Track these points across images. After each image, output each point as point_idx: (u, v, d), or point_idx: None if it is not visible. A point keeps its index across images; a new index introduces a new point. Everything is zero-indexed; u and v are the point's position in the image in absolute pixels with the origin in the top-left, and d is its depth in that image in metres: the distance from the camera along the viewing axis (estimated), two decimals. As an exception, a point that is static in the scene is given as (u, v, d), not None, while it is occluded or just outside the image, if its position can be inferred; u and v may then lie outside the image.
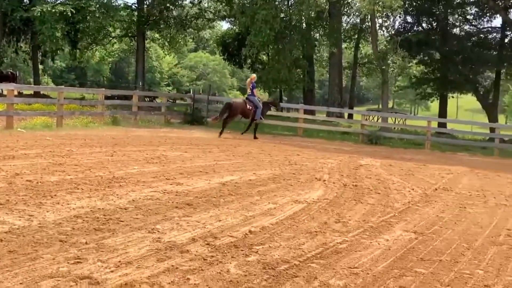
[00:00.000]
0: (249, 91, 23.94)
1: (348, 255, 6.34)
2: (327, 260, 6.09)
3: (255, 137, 23.35)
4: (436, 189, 12.32)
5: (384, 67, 33.86)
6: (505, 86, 62.42)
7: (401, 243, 7.13)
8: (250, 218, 7.82)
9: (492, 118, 40.41)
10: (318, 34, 42.74)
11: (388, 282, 5.49)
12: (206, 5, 48.25)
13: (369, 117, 40.39)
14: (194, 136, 21.38)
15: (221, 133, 22.81)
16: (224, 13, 47.30)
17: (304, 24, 39.69)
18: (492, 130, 31.52)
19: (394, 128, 35.71)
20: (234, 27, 50.37)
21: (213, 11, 48.54)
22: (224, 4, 44.88)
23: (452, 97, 50.70)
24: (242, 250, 6.17)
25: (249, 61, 48.61)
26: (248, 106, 23.42)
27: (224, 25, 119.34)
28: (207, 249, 6.13)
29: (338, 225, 7.88)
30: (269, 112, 25.19)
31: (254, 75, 25.38)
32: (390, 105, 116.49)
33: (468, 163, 20.53)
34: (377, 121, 39.88)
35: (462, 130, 43.53)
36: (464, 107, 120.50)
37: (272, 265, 5.70)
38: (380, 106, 43.11)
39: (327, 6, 39.17)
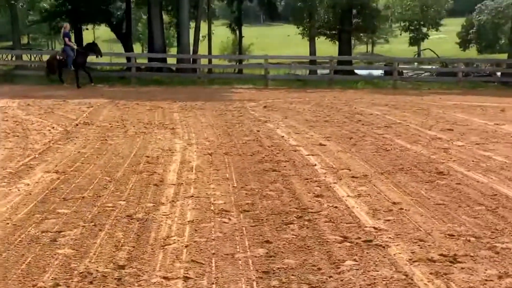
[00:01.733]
0: (66, 41, 24.08)
1: (-15, 208, 5.96)
2: (-39, 217, 5.64)
3: (78, 86, 23.70)
4: (77, 125, 12.24)
5: (12, 2, 32.21)
6: (138, 14, 63.83)
7: (43, 185, 6.92)
8: None
9: (128, 47, 41.20)
10: None
11: (30, 229, 5.28)
12: None
13: (2, 56, 38.48)
14: None
15: (63, 82, 24.12)
16: None
17: None
18: (128, 59, 32.18)
19: (31, 65, 34.44)
20: None
21: None
22: None
23: (87, 29, 50.37)
24: None
25: None
26: (59, 57, 23.90)
27: None
28: None
29: (-28, 176, 7.36)
30: None
31: (66, 24, 25.67)
32: (25, 40, 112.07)
33: (108, 94, 20.71)
34: (11, 59, 38.06)
35: (100, 62, 43.73)
36: (102, 38, 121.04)
37: None
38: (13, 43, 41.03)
39: None
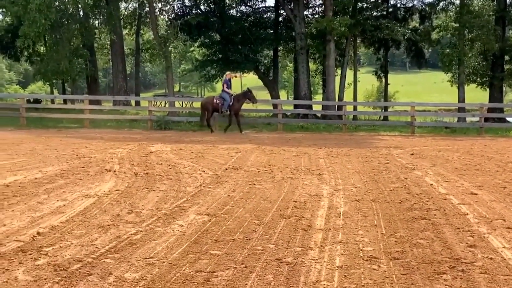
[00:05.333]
0: (224, 87, 25.83)
1: (142, 246, 6.24)
2: (122, 253, 5.94)
3: (240, 131, 25.45)
4: (226, 169, 12.56)
5: (166, 53, 33.92)
6: (283, 62, 65.24)
7: (195, 227, 7.15)
8: (37, 219, 7.43)
9: (274, 94, 42.12)
10: (97, 22, 41.71)
11: (184, 268, 5.47)
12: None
13: (156, 102, 40.44)
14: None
15: (211, 130, 25.41)
16: (-6, 4, 44.44)
17: (81, 12, 38.66)
18: (275, 106, 32.84)
19: (182, 111, 36.03)
20: (6, 18, 47.74)
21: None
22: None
23: (235, 76, 52.02)
24: (30, 254, 5.84)
25: (25, 53, 46.60)
26: (216, 101, 25.53)
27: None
28: (-9, 257, 5.72)
29: (131, 216, 7.74)
30: (54, 106, 24.37)
31: (228, 72, 27.69)
32: (176, 88, 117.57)
33: (255, 140, 21.21)
34: (164, 106, 39.95)
35: (247, 108, 44.88)
36: (248, 85, 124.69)
37: (63, 266, 5.45)
38: (167, 91, 43.10)
39: (103, -7, 38.38)
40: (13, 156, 14.29)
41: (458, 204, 8.81)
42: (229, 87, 25.84)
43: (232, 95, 25.49)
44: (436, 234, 6.87)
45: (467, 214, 8.04)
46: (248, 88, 27.61)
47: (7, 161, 13.20)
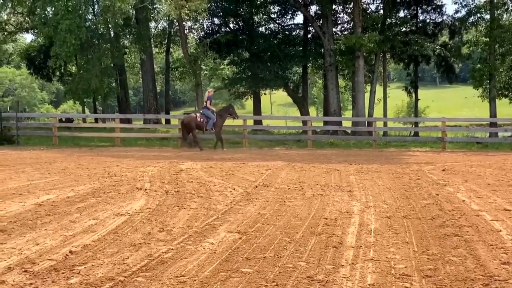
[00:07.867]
0: (205, 104, 25.76)
1: (174, 264, 6.25)
2: (153, 272, 5.96)
3: (222, 147, 25.61)
4: (256, 186, 12.56)
5: (196, 70, 34.17)
6: (313, 79, 65.27)
7: (226, 244, 7.15)
8: (70, 237, 7.49)
9: (304, 110, 42.16)
10: (127, 41, 42.18)
11: (216, 286, 5.47)
12: (5, 17, 45.61)
13: (186, 120, 40.60)
14: (4, 156, 20.26)
15: (183, 145, 25.91)
16: (26, 25, 45.21)
17: (111, 32, 39.14)
18: (304, 123, 32.80)
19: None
20: (38, 39, 48.51)
21: (14, 24, 46.23)
22: (25, 15, 43.04)
23: (265, 93, 52.10)
24: (63, 273, 5.88)
25: (57, 73, 47.29)
26: (199, 119, 25.09)
27: (28, 38, 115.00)
28: (25, 276, 5.77)
29: (162, 234, 7.77)
30: (85, 124, 24.75)
31: (210, 89, 27.50)
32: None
33: (285, 157, 21.20)
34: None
35: (277, 125, 44.92)
36: (277, 102, 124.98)
37: (96, 285, 5.48)
38: (197, 108, 43.38)
39: (133, 12, 38.79)
40: (46, 175, 14.45)
41: (491, 220, 8.70)
42: (211, 103, 25.95)
43: (214, 112, 25.63)
44: (469, 251, 6.79)
45: (501, 230, 7.94)
46: (230, 104, 27.85)
47: (40, 180, 13.36)
